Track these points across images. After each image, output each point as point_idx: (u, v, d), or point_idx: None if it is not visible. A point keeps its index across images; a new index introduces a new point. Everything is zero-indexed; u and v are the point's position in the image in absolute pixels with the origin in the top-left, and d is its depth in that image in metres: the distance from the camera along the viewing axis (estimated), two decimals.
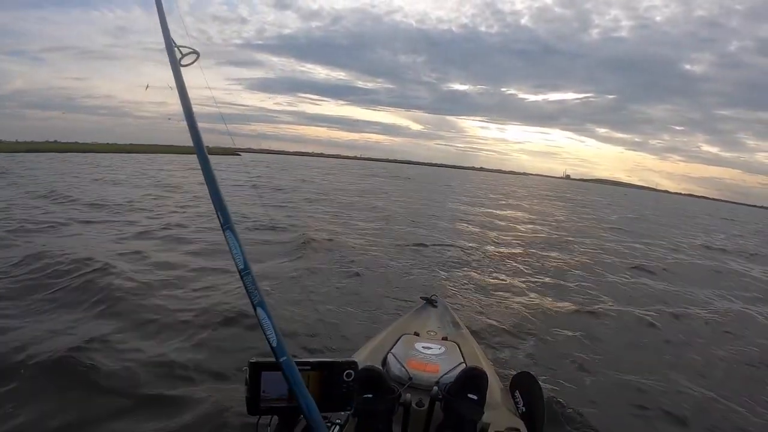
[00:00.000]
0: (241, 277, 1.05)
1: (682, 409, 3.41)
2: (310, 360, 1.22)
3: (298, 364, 1.11)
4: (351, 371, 1.24)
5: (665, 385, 3.74)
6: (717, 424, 3.29)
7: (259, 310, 1.04)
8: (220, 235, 1.04)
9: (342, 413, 1.37)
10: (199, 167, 1.12)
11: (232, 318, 4.13)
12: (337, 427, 1.36)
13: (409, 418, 1.55)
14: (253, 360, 1.17)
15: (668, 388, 3.69)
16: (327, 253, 7.16)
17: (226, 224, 1.08)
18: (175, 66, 1.22)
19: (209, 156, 1.12)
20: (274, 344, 1.03)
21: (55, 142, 65.36)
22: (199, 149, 1.14)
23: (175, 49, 1.24)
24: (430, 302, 2.93)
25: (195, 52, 1.23)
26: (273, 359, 1.08)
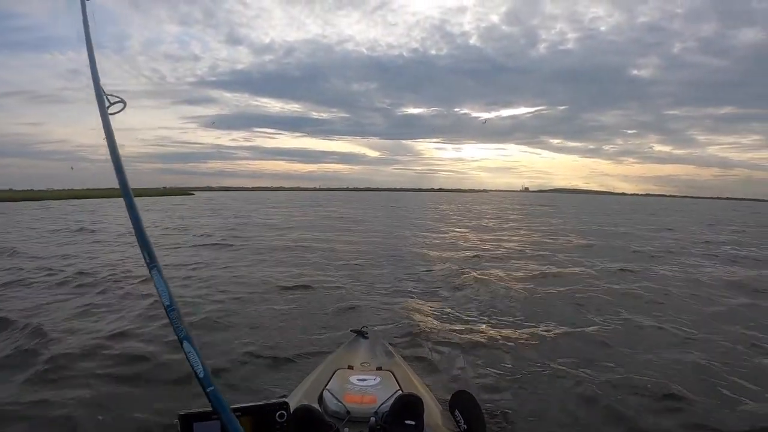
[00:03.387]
0: (167, 313, 1.08)
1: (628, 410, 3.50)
2: (239, 406, 1.20)
3: None
4: (283, 412, 1.25)
5: (606, 390, 3.83)
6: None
7: (186, 344, 1.05)
8: None
9: None
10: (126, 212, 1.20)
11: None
12: None
13: None
14: (183, 412, 1.15)
15: (609, 392, 3.78)
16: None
17: (152, 263, 1.12)
18: (104, 113, 1.32)
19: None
20: (201, 375, 1.04)
21: (10, 190, 65.17)
22: (126, 193, 1.22)
23: (105, 97, 1.34)
24: (361, 334, 2.99)
25: (122, 101, 1.33)
26: (203, 409, 1.10)
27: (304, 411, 1.51)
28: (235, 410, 1.15)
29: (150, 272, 1.12)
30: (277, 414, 1.25)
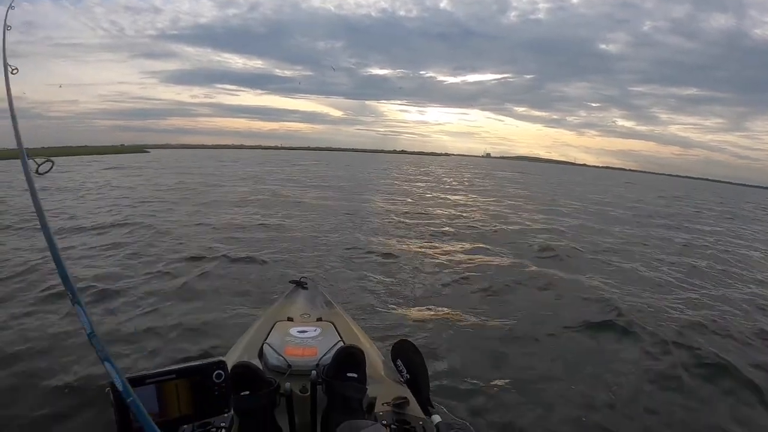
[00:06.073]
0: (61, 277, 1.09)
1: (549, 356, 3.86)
2: (173, 368, 1.17)
3: (162, 374, 1.13)
4: (220, 371, 1.23)
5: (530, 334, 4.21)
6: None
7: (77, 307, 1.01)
8: None
9: (225, 415, 1.33)
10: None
11: None
12: (224, 430, 1.41)
13: (293, 407, 1.58)
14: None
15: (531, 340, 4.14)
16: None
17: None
18: (28, 175, 1.28)
19: None
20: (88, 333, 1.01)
21: None
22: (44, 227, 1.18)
23: (30, 160, 1.32)
24: (300, 285, 2.98)
25: (50, 160, 1.26)
26: (137, 374, 1.10)
27: (242, 368, 1.50)
28: (169, 372, 1.15)
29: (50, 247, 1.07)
30: (215, 374, 1.23)
